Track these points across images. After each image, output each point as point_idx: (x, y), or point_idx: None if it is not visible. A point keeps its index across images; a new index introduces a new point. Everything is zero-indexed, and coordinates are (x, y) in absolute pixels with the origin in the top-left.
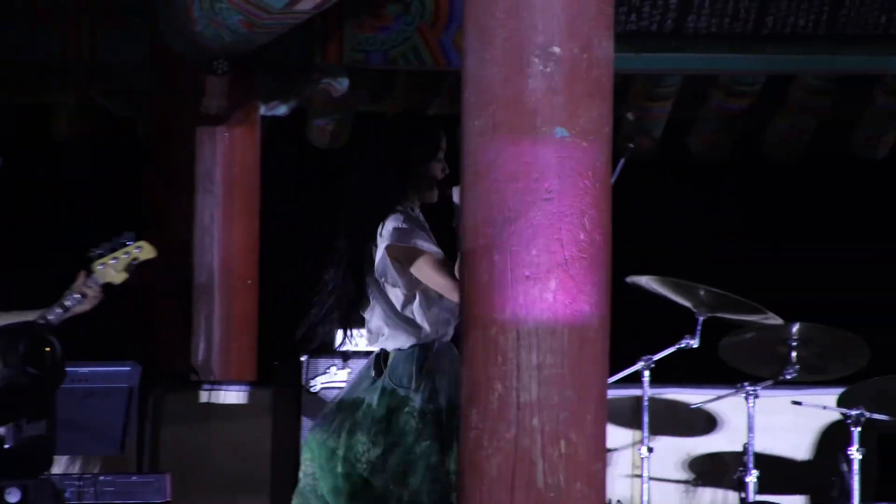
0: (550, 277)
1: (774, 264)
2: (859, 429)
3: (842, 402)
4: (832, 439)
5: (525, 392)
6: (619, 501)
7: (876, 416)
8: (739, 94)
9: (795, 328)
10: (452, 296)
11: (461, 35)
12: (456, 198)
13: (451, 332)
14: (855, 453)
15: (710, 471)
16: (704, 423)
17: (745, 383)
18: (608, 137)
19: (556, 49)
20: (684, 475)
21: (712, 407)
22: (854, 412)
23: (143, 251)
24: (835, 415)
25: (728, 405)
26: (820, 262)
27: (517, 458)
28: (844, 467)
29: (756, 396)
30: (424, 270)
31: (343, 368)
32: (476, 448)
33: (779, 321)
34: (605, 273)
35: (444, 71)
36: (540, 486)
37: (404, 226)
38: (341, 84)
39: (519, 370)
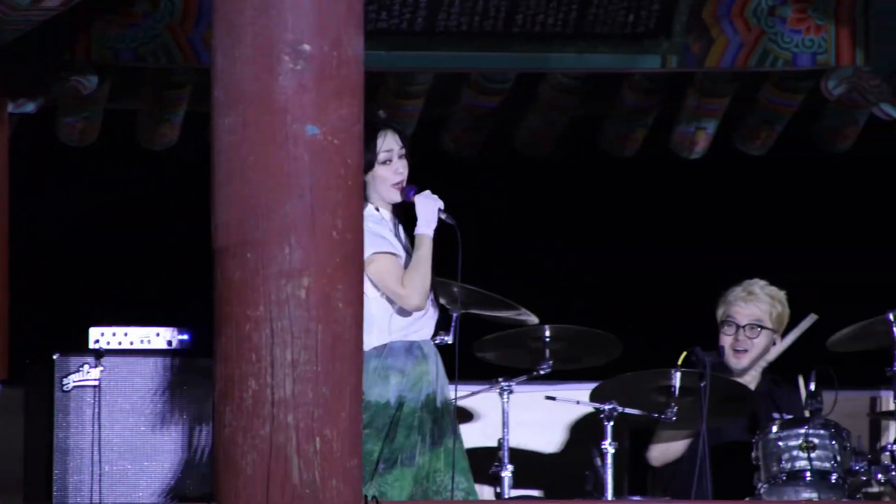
0: (303, 275)
1: (530, 260)
2: (612, 423)
3: (595, 397)
4: (586, 434)
5: (279, 389)
6: (374, 497)
7: (628, 410)
8: (490, 92)
9: (548, 329)
10: (403, 302)
11: (211, 32)
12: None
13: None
14: (608, 447)
15: None
16: (460, 418)
17: (500, 379)
18: (359, 135)
19: (306, 47)
20: None
21: (467, 403)
22: (607, 407)
23: None
24: (588, 409)
25: (483, 401)
26: (574, 257)
27: (272, 454)
28: (598, 461)
29: (510, 392)
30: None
31: (95, 367)
32: (230, 445)
33: (532, 317)
34: (359, 270)
35: (194, 68)
36: (295, 483)
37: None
38: (90, 81)
39: (273, 367)
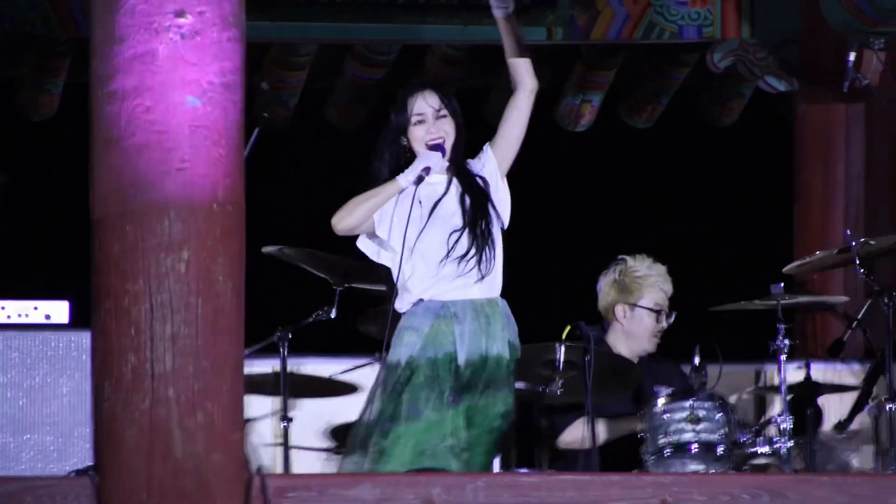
0: (183, 247)
1: None
2: None
3: None
4: None
5: (159, 363)
6: (259, 468)
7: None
8: (374, 64)
9: None
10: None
11: (91, 2)
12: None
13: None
14: None
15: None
16: (343, 392)
17: (382, 354)
18: (241, 107)
19: (188, 16)
20: (325, 443)
21: (351, 376)
22: None
23: None
24: None
25: (366, 375)
26: None
27: (153, 429)
28: None
29: None
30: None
31: None
32: (111, 419)
33: None
34: (240, 243)
35: (73, 38)
36: (178, 457)
37: None
38: None
39: (153, 341)
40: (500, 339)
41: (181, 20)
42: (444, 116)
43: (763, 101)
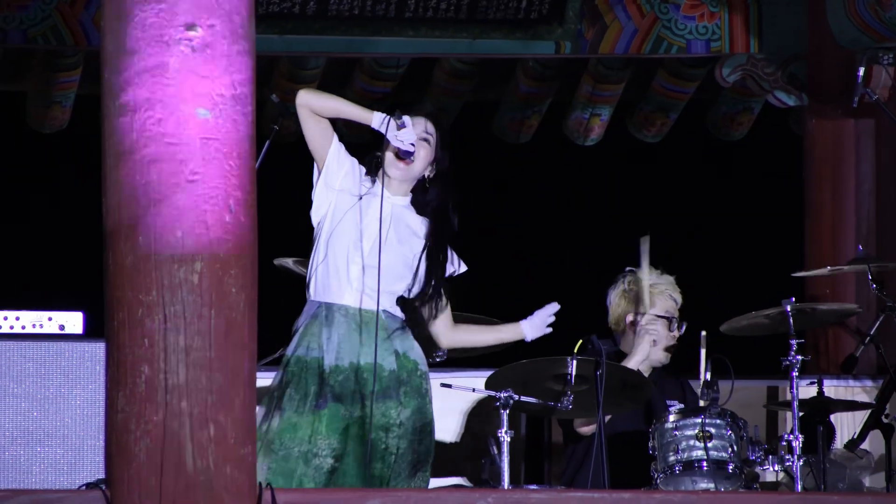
0: (196, 260)
1: None
2: (507, 411)
3: (490, 384)
4: (482, 422)
5: (173, 375)
6: (269, 484)
7: (524, 398)
8: (383, 77)
9: None
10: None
11: (101, 14)
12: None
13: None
14: (504, 435)
15: None
16: None
17: None
18: (252, 119)
19: (198, 30)
20: None
21: None
22: (503, 395)
23: None
24: (484, 397)
25: None
26: (467, 243)
27: (165, 441)
28: (494, 449)
29: None
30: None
31: None
32: (123, 431)
33: None
34: (252, 255)
35: (84, 50)
36: (189, 470)
37: None
38: None
39: (166, 353)
40: (382, 349)
41: (192, 33)
42: (425, 140)
43: (773, 116)
